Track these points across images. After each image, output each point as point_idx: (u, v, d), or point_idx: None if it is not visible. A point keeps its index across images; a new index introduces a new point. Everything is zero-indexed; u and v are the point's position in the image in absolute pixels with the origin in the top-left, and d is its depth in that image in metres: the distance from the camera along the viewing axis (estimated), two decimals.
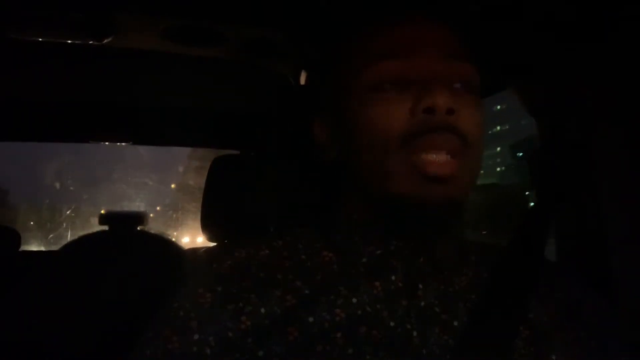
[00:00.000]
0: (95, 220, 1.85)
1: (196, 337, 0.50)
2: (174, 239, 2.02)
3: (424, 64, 0.53)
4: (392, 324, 0.50)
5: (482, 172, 0.58)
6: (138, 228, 1.83)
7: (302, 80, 1.26)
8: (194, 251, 1.83)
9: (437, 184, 0.50)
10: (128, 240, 1.73)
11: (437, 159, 0.50)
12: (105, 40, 1.09)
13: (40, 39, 1.13)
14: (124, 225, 1.80)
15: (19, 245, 1.75)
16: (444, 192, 0.51)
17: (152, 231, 1.93)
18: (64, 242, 1.83)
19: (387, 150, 0.52)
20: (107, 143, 1.90)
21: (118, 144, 1.90)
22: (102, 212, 1.84)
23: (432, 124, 0.51)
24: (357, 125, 0.54)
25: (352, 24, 0.60)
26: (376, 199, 0.55)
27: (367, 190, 0.55)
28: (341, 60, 0.59)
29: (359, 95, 0.54)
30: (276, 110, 0.85)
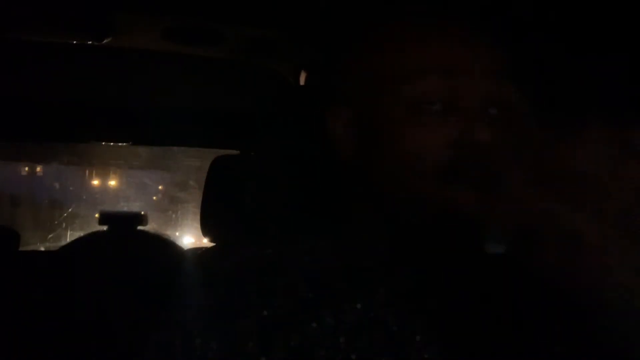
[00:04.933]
0: (95, 220, 1.85)
1: (198, 340, 0.50)
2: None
3: (471, 86, 0.50)
4: (395, 328, 0.50)
5: None
6: (138, 228, 1.83)
7: (302, 81, 1.26)
8: (195, 251, 1.83)
9: (463, 220, 0.48)
10: (128, 240, 1.73)
11: (469, 199, 0.48)
12: (105, 40, 1.09)
13: (40, 39, 1.13)
14: (123, 225, 1.80)
15: (18, 245, 1.75)
16: (468, 227, 0.48)
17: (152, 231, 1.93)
18: (63, 242, 1.83)
19: (419, 177, 0.49)
20: (107, 143, 1.90)
21: (118, 144, 1.90)
22: (102, 212, 1.84)
23: (474, 159, 0.48)
24: (390, 141, 0.51)
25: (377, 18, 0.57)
26: (393, 214, 0.53)
27: (384, 203, 0.54)
28: (373, 61, 0.54)
29: (396, 109, 0.51)
30: (276, 110, 0.84)
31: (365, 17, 0.60)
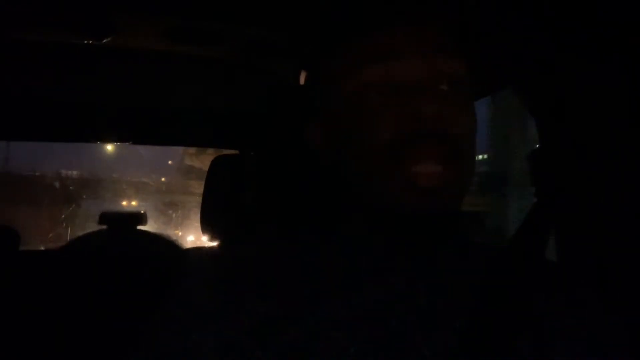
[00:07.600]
0: (95, 220, 1.85)
1: (195, 337, 0.50)
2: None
3: (408, 66, 0.51)
4: (393, 323, 0.50)
5: None
6: (137, 227, 1.83)
7: (302, 80, 1.26)
8: (194, 250, 1.83)
9: (428, 196, 0.49)
10: (128, 239, 1.74)
11: (427, 170, 0.49)
12: (105, 40, 1.09)
13: (40, 39, 1.13)
14: (123, 225, 1.80)
15: (18, 244, 1.75)
16: (436, 204, 0.50)
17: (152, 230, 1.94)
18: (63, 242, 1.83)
19: (375, 161, 0.51)
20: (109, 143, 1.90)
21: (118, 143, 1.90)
22: (102, 212, 1.84)
23: (420, 131, 0.49)
24: (346, 133, 0.53)
25: (343, 27, 0.59)
26: (370, 208, 0.54)
27: (360, 200, 0.55)
28: (332, 63, 0.57)
29: (346, 101, 0.53)
30: (276, 110, 0.85)
31: (335, 27, 0.61)
